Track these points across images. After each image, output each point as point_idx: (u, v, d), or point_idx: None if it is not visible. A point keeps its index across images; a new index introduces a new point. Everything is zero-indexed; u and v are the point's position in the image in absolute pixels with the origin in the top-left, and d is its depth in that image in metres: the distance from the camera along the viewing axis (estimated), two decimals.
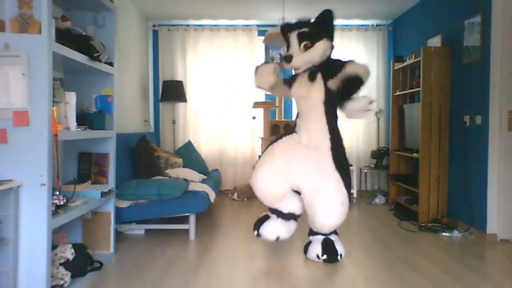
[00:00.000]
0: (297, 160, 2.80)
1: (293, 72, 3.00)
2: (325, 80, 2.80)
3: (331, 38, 2.86)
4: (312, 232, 2.94)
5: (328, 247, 2.80)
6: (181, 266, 2.77)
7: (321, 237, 2.88)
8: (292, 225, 2.97)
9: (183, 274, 2.61)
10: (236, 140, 5.61)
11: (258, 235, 2.92)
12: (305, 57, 2.82)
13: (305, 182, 2.79)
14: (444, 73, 3.89)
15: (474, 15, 3.54)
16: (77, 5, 2.76)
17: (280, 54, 5.61)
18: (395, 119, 4.81)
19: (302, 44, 2.81)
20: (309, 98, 2.84)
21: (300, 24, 2.87)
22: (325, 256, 2.77)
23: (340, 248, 2.83)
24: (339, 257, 2.81)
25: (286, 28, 2.94)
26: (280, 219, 2.93)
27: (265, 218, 2.96)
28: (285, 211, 2.93)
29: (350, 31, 5.56)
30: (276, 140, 2.96)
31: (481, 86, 3.46)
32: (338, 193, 2.73)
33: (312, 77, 2.84)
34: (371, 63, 5.56)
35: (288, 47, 2.93)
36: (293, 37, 2.86)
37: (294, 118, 3.14)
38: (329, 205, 2.72)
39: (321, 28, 2.83)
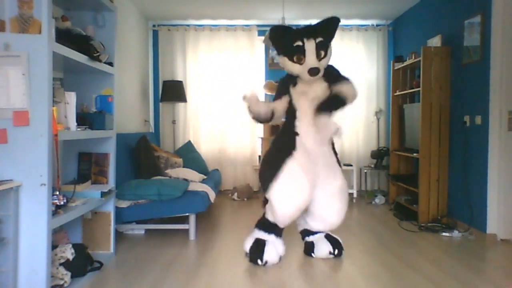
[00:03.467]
0: (317, 167, 2.80)
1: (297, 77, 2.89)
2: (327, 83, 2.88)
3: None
4: (308, 233, 2.98)
5: (334, 242, 2.94)
6: (181, 266, 2.77)
7: (321, 235, 2.96)
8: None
9: (183, 274, 2.61)
10: (236, 140, 5.61)
11: (265, 263, 2.74)
12: (322, 67, 2.79)
13: (324, 185, 2.82)
14: (444, 73, 3.89)
15: (474, 15, 3.54)
16: (77, 5, 2.75)
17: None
18: (395, 119, 4.81)
19: (321, 54, 2.75)
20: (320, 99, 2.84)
21: (315, 32, 2.76)
22: (337, 251, 2.90)
23: (338, 238, 3.00)
24: (342, 248, 2.97)
25: (300, 33, 2.76)
26: (278, 238, 2.86)
27: (260, 243, 2.79)
28: (281, 225, 2.87)
29: (350, 31, 5.56)
30: (286, 153, 2.79)
31: (481, 86, 3.46)
32: (345, 183, 2.93)
33: (327, 80, 2.86)
34: (371, 63, 5.56)
35: (293, 51, 2.75)
36: (311, 46, 2.72)
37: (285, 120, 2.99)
38: (344, 201, 2.88)
39: (331, 36, 2.83)
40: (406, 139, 4.54)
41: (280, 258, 2.85)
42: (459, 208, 3.77)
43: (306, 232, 3.01)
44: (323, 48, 2.77)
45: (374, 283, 2.45)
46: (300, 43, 2.73)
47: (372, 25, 5.58)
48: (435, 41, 4.14)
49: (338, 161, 2.97)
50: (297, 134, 2.84)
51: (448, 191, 3.94)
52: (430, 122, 3.90)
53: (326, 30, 2.79)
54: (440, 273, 2.62)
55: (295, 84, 2.90)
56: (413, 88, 4.29)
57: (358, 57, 5.56)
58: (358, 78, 5.55)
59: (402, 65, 4.54)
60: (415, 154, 4.11)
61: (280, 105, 2.92)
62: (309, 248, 2.96)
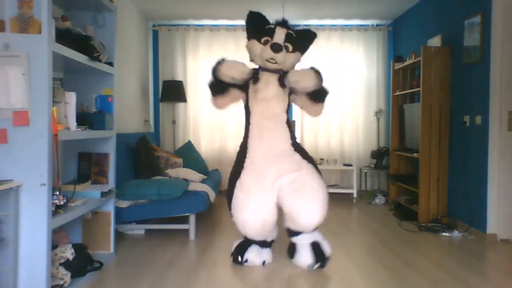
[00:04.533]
0: (271, 173, 2.71)
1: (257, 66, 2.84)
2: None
3: (302, 55, 2.86)
4: (294, 233, 2.78)
5: (319, 253, 2.68)
6: (181, 266, 2.77)
7: (306, 241, 2.72)
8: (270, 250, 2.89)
9: (183, 274, 2.61)
10: (236, 140, 5.60)
11: (245, 261, 2.75)
12: (286, 57, 2.73)
13: (284, 186, 2.69)
14: (444, 73, 3.89)
15: (474, 15, 3.54)
16: (77, 5, 2.76)
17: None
18: (395, 119, 4.81)
19: (285, 44, 2.74)
20: (276, 103, 2.74)
21: (290, 26, 2.82)
22: (317, 265, 2.66)
23: (327, 248, 2.71)
24: (327, 259, 2.70)
25: (278, 23, 2.81)
26: (263, 247, 2.82)
27: (245, 244, 2.80)
28: (269, 239, 2.85)
29: (350, 31, 5.56)
30: (235, 176, 2.79)
31: (481, 86, 3.46)
32: (317, 178, 2.73)
33: (282, 83, 2.74)
34: (371, 63, 5.56)
35: (263, 33, 2.76)
36: (281, 32, 2.75)
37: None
38: (315, 200, 2.66)
39: (302, 41, 2.83)
40: (406, 139, 4.54)
41: (264, 263, 2.77)
42: (459, 208, 3.77)
43: (290, 231, 2.82)
44: (290, 41, 2.76)
45: (374, 283, 2.45)
46: (272, 26, 2.79)
47: (372, 25, 5.58)
48: (435, 41, 4.14)
49: (308, 159, 2.80)
50: (246, 150, 2.80)
51: (448, 191, 3.94)
52: (430, 122, 3.90)
53: (300, 34, 2.83)
54: (440, 273, 2.62)
55: (255, 80, 2.75)
56: (413, 88, 4.29)
57: (358, 57, 5.56)
58: (358, 78, 5.55)
59: (402, 65, 4.54)
60: (415, 154, 4.11)
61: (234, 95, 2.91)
62: (290, 251, 2.85)
